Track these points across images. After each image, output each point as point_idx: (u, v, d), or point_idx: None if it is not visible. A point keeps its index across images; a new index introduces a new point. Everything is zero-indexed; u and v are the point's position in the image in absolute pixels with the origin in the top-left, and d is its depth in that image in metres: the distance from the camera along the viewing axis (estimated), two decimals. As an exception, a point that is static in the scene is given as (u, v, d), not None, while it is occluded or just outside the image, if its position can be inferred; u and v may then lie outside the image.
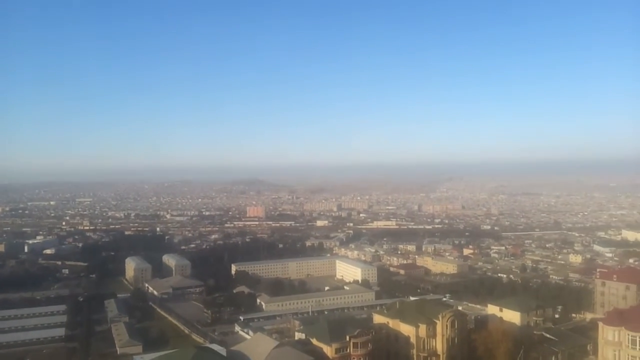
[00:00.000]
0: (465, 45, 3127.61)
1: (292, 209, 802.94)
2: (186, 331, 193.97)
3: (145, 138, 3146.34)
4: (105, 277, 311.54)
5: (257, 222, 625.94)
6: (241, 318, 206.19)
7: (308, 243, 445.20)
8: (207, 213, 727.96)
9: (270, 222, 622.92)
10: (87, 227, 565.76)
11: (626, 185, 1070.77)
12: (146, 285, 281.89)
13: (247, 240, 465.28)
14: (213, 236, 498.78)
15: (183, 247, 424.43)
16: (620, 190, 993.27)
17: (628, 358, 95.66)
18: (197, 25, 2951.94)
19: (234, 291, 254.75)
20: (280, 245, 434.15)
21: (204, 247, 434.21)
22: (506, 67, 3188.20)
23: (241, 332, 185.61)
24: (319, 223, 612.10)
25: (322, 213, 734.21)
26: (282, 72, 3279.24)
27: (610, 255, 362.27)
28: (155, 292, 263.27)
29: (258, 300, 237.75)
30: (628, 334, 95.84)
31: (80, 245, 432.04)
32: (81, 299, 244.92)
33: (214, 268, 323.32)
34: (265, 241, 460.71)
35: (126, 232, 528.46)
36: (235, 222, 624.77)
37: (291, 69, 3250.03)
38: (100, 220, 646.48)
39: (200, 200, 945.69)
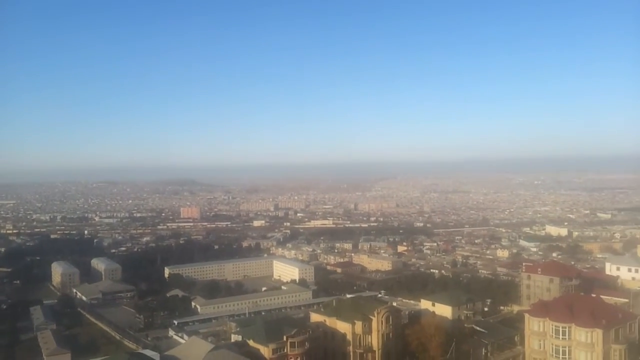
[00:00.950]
0: (401, 45, 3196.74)
1: (227, 209, 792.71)
2: (117, 337, 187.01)
3: (69, 138, 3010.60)
4: (30, 283, 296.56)
5: (191, 223, 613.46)
6: (175, 322, 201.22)
7: (245, 244, 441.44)
8: (139, 215, 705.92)
9: (206, 223, 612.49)
10: (11, 231, 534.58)
11: (549, 182, 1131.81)
12: (74, 290, 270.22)
13: (181, 242, 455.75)
14: (145, 238, 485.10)
15: (113, 251, 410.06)
16: (544, 187, 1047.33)
17: (552, 347, 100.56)
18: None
19: (168, 295, 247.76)
20: (216, 247, 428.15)
21: (136, 250, 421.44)
22: (442, 67, 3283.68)
23: (175, 337, 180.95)
24: (256, 223, 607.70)
25: (258, 213, 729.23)
26: (212, 69, 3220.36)
27: (535, 249, 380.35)
28: (84, 298, 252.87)
29: (193, 304, 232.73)
30: (552, 324, 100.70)
31: (3, 250, 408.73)
32: (4, 307, 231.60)
33: (146, 271, 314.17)
34: (200, 243, 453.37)
35: (52, 236, 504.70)
36: (168, 224, 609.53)
37: (220, 65, 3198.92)
38: (24, 223, 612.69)
39: (130, 201, 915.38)
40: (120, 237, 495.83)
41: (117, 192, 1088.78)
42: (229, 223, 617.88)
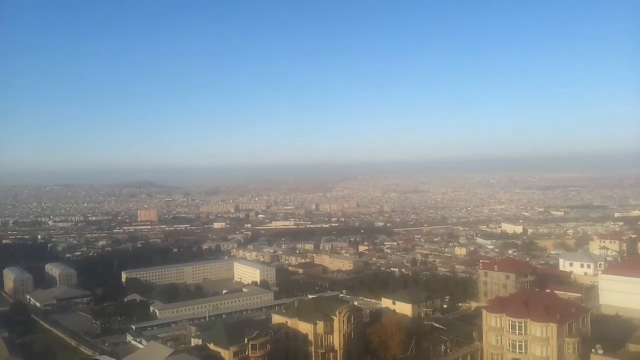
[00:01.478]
0: (360, 46, 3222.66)
1: (187, 211, 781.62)
2: (73, 344, 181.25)
3: (21, 140, 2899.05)
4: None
5: (149, 227, 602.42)
6: (133, 327, 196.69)
7: (205, 246, 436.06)
8: (94, 218, 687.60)
9: (164, 226, 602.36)
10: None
11: (505, 182, 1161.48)
12: (28, 297, 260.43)
13: (139, 245, 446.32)
14: (101, 243, 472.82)
15: (68, 256, 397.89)
16: (500, 186, 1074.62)
17: (509, 342, 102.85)
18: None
19: (125, 300, 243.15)
20: (175, 250, 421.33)
21: (92, 254, 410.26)
22: (398, 68, 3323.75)
23: (134, 342, 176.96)
24: (216, 225, 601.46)
25: (219, 215, 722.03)
26: (168, 70, 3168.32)
27: (492, 247, 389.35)
28: (38, 305, 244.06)
29: (152, 308, 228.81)
30: (509, 320, 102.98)
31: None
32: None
33: (103, 276, 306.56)
34: (159, 246, 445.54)
35: (4, 241, 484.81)
36: (125, 227, 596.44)
37: (177, 65, 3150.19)
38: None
39: (86, 205, 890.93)
40: (75, 242, 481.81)
41: (72, 196, 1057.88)
42: (189, 226, 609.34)
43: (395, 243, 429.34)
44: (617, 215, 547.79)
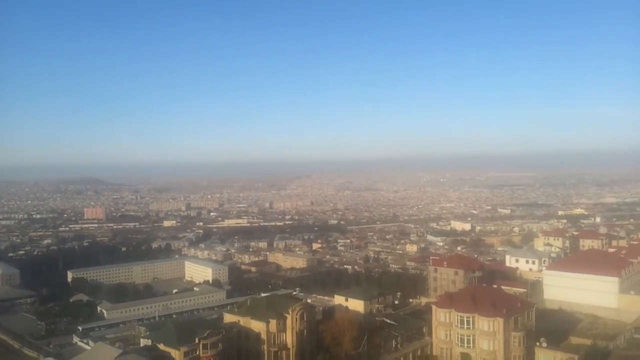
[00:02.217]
0: (311, 42, 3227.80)
1: (136, 209, 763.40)
2: (16, 346, 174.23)
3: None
4: None
5: (96, 225, 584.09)
6: (80, 328, 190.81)
7: (154, 245, 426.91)
8: (39, 216, 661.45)
9: (112, 224, 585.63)
10: None
11: (454, 180, 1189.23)
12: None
13: (85, 244, 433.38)
14: (46, 241, 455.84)
15: (10, 254, 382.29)
16: (449, 185, 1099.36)
17: (457, 336, 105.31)
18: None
19: (71, 300, 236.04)
20: (123, 249, 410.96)
21: (36, 253, 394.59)
22: (352, 66, 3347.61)
23: (80, 343, 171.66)
24: (166, 223, 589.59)
25: (169, 213, 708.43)
26: (118, 64, 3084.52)
27: (441, 244, 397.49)
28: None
29: (99, 308, 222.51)
30: (457, 315, 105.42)
31: None
32: None
33: (48, 276, 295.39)
34: (106, 245, 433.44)
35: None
36: (71, 225, 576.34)
37: (128, 60, 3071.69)
38: None
39: (29, 202, 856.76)
40: (18, 240, 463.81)
41: (15, 192, 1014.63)
42: (137, 224, 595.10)
43: (349, 240, 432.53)
44: (560, 213, 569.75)
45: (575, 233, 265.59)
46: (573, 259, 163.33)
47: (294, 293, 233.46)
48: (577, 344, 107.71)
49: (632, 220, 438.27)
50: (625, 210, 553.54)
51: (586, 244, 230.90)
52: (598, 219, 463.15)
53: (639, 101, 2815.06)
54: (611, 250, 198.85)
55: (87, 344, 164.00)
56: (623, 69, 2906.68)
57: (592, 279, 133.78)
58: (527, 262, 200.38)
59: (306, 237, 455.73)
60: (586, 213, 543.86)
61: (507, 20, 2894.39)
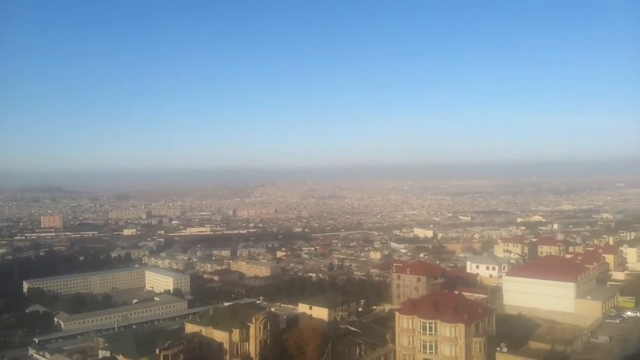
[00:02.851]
0: (276, 47, 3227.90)
1: (94, 217, 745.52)
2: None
3: None
4: None
5: (53, 233, 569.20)
6: (36, 340, 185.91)
7: (114, 254, 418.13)
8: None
9: (70, 233, 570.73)
10: None
11: (417, 188, 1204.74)
12: None
13: (42, 253, 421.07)
14: (0, 250, 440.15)
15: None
16: (412, 192, 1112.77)
17: (420, 343, 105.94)
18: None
19: (27, 311, 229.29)
20: (81, 258, 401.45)
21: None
22: (314, 72, 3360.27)
23: (36, 355, 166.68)
24: (126, 232, 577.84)
25: (129, 221, 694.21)
26: (78, 68, 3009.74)
27: (404, 251, 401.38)
28: None
29: (56, 319, 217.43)
30: (420, 321, 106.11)
31: None
32: None
33: (2, 286, 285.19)
34: (64, 254, 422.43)
35: None
36: (27, 234, 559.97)
37: (87, 65, 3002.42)
38: None
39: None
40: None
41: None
42: (96, 232, 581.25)
43: (313, 248, 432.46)
44: (519, 220, 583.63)
45: (534, 240, 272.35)
46: (531, 265, 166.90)
47: (258, 302, 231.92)
48: (536, 349, 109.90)
49: (587, 227, 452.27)
50: (582, 217, 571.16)
51: (544, 250, 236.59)
52: (555, 226, 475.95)
53: (596, 111, 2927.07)
54: (568, 256, 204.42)
55: (44, 356, 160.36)
56: (577, 79, 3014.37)
57: (550, 285, 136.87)
58: (488, 268, 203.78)
59: (270, 245, 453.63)
60: (544, 220, 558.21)
61: (478, 38, 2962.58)
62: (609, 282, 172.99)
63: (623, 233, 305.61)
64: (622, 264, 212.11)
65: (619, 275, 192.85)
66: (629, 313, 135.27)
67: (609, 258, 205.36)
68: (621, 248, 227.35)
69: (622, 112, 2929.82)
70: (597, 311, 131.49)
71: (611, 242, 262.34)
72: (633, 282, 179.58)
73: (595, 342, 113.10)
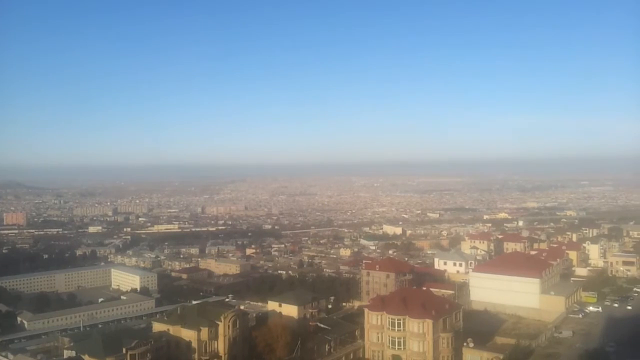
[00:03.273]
0: (245, 44, 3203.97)
1: (59, 214, 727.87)
2: None
3: None
4: None
5: (16, 231, 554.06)
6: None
7: (79, 252, 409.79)
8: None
9: (33, 230, 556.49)
10: None
11: (386, 185, 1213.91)
12: None
13: (4, 251, 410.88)
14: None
15: None
16: (382, 190, 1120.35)
17: (389, 339, 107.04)
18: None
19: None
20: (45, 256, 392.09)
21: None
22: (286, 69, 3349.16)
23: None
24: (92, 229, 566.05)
25: (95, 218, 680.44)
26: (44, 65, 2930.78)
27: (374, 248, 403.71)
28: None
29: (19, 319, 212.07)
30: (388, 317, 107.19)
31: None
32: None
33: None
34: (27, 252, 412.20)
35: None
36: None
37: (54, 61, 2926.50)
38: None
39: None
40: None
41: None
42: (61, 230, 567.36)
43: (283, 245, 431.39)
44: (485, 217, 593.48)
45: (500, 236, 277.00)
46: (497, 262, 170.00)
47: (227, 300, 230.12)
48: (502, 344, 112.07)
49: (552, 224, 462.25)
50: (546, 215, 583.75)
51: (509, 246, 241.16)
52: (521, 223, 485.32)
53: (559, 111, 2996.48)
54: (533, 252, 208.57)
55: (7, 356, 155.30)
56: (540, 78, 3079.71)
57: (515, 281, 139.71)
58: (455, 264, 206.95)
59: (240, 242, 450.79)
60: (510, 217, 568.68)
61: (442, 36, 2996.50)
62: (572, 278, 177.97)
63: (586, 230, 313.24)
64: (584, 260, 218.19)
65: (581, 271, 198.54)
66: (591, 308, 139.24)
67: (572, 254, 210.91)
68: (584, 245, 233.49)
69: (585, 112, 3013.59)
70: (561, 306, 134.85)
71: (574, 239, 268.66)
72: (595, 277, 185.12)
73: (559, 337, 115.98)
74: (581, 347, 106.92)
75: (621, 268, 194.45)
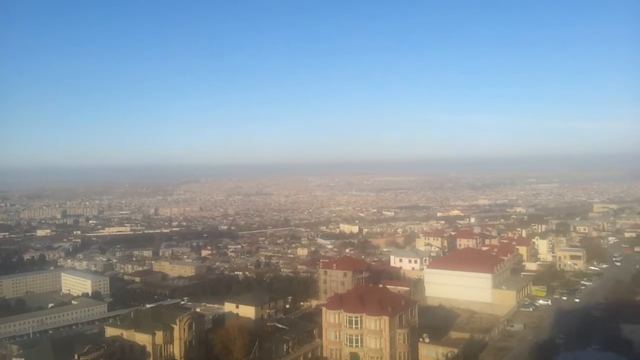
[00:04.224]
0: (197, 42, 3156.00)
1: (5, 218, 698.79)
2: None
3: None
4: None
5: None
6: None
7: (27, 256, 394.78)
8: None
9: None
10: None
11: (342, 184, 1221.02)
12: None
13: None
14: None
15: None
16: (338, 189, 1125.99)
17: (346, 337, 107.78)
18: None
19: None
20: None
21: None
22: (236, 65, 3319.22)
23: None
24: (40, 233, 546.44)
25: (43, 221, 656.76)
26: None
27: (331, 246, 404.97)
28: None
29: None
30: (346, 315, 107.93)
31: None
32: None
33: None
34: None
35: None
36: None
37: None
38: None
39: None
40: None
41: None
42: (7, 233, 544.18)
43: (239, 246, 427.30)
44: (439, 214, 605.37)
45: (453, 233, 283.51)
46: (450, 258, 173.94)
47: (182, 303, 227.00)
48: (457, 338, 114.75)
49: (502, 220, 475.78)
50: (497, 211, 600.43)
51: (462, 243, 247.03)
52: (472, 220, 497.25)
53: (510, 109, 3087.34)
54: (484, 248, 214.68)
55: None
56: (492, 79, 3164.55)
57: (468, 276, 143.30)
58: (410, 261, 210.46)
59: (195, 244, 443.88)
60: (462, 214, 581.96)
61: (400, 35, 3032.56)
62: (522, 273, 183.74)
63: (535, 226, 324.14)
64: (534, 255, 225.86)
65: (531, 266, 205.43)
66: (541, 301, 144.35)
67: (522, 250, 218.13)
68: (533, 240, 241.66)
69: (531, 111, 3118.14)
70: (512, 300, 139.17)
71: (524, 235, 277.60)
72: (544, 272, 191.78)
73: (511, 330, 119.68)
74: (532, 340, 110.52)
75: (569, 262, 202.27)
